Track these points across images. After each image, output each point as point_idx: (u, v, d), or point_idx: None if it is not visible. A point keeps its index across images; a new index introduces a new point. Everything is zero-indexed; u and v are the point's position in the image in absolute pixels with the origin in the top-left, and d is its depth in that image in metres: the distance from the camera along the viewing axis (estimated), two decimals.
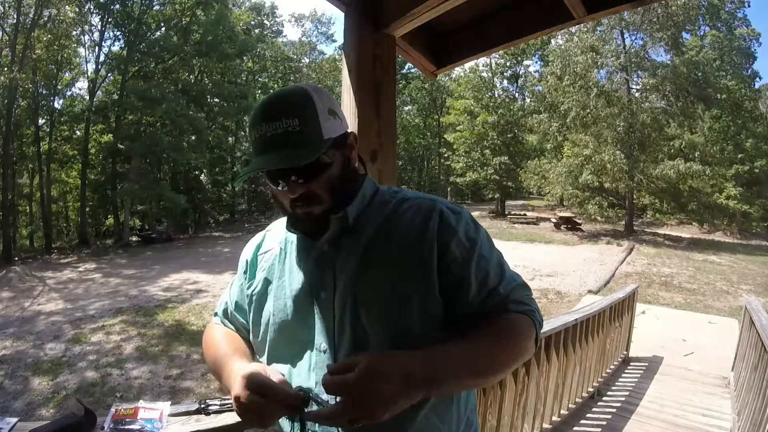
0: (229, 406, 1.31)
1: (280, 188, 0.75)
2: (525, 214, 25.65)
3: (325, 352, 0.76)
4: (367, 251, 0.77)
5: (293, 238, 0.86)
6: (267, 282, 0.85)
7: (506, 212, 26.53)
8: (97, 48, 23.17)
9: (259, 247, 0.92)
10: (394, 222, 0.79)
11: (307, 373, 0.77)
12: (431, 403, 0.75)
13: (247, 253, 0.93)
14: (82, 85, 26.28)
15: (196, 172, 27.15)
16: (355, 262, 0.77)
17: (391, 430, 0.72)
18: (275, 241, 0.90)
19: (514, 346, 0.77)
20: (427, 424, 0.76)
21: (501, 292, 0.77)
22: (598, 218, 21.47)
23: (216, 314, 0.98)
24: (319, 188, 0.74)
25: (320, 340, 0.77)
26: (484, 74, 27.92)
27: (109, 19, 22.69)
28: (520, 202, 32.33)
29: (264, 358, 0.85)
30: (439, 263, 0.75)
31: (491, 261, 0.79)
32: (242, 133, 32.93)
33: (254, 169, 0.72)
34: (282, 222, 0.91)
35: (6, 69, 17.61)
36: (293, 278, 0.82)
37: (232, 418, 1.28)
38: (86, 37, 22.88)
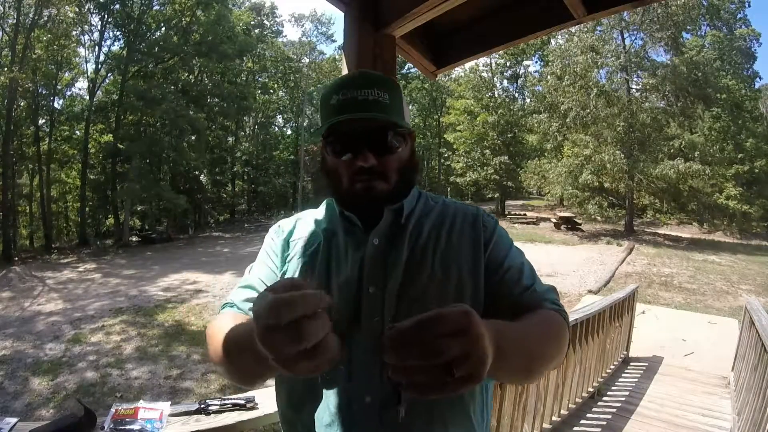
0: (229, 406, 1.31)
1: (345, 157, 0.75)
2: (525, 214, 25.66)
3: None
4: (421, 250, 0.78)
5: (339, 230, 0.83)
6: (306, 269, 0.82)
7: (506, 212, 26.52)
8: (97, 48, 23.20)
9: (291, 233, 0.89)
10: (444, 224, 0.82)
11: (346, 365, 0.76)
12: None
13: (276, 238, 0.89)
14: (82, 85, 26.34)
15: (196, 172, 27.14)
16: (408, 259, 0.77)
17: (434, 408, 0.73)
18: (311, 230, 0.87)
19: (556, 336, 0.74)
20: (461, 406, 0.77)
21: (537, 290, 0.79)
22: (598, 218, 21.46)
23: (230, 305, 0.84)
24: (388, 165, 0.76)
25: (364, 336, 0.74)
26: (484, 74, 27.92)
27: (109, 19, 22.70)
28: (520, 202, 32.30)
29: None
30: (485, 264, 0.79)
31: (524, 262, 0.83)
32: (242, 133, 32.95)
33: (346, 117, 0.72)
34: (313, 213, 0.91)
35: (6, 69, 17.61)
36: (340, 270, 0.79)
37: (232, 418, 1.28)
38: (86, 37, 22.93)
